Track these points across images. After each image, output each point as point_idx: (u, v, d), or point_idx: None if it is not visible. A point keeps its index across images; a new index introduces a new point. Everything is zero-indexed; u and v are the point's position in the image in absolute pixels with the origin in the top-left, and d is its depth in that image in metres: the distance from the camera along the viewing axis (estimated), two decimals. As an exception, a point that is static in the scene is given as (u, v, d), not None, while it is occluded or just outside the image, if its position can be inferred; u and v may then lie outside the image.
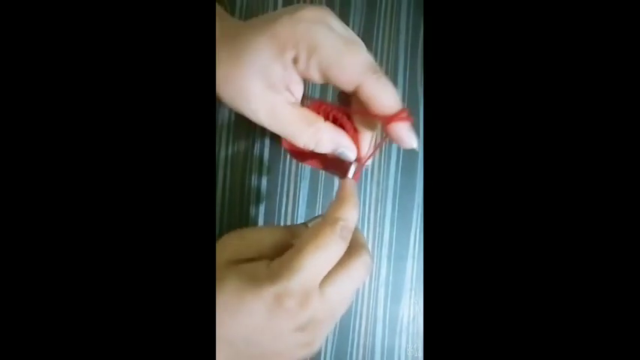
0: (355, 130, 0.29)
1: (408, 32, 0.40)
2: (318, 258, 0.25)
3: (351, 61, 0.26)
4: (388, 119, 0.27)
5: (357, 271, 0.26)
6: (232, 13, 0.39)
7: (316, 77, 0.27)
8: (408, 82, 0.40)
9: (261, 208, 0.39)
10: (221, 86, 0.27)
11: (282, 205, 0.39)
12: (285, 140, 0.29)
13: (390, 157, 0.40)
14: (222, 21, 0.28)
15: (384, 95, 0.26)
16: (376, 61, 0.32)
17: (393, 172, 0.41)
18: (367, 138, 0.29)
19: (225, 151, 0.39)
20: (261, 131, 0.39)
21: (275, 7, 0.40)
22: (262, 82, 0.26)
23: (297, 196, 0.40)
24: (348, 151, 0.29)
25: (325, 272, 0.25)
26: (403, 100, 0.40)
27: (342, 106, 0.30)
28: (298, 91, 0.28)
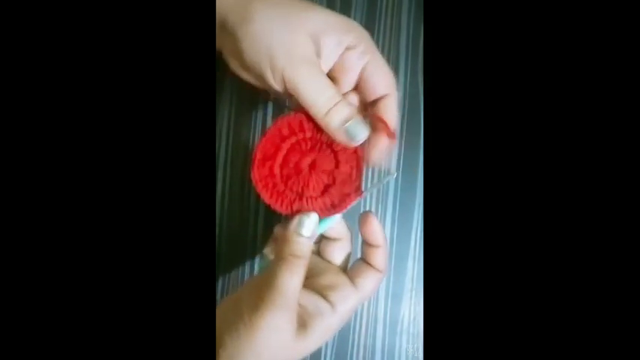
0: (361, 159, 0.29)
1: (408, 31, 0.40)
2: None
3: (390, 76, 0.29)
4: (392, 134, 0.29)
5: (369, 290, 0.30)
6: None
7: (353, 73, 0.28)
8: (409, 81, 0.40)
9: (261, 211, 0.39)
10: (264, 27, 0.26)
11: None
12: (259, 163, 0.28)
13: (391, 157, 0.40)
14: None
15: (394, 114, 0.30)
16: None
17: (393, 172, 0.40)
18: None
19: (225, 152, 0.39)
20: (262, 133, 0.39)
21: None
22: (312, 38, 0.27)
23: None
24: (361, 127, 0.28)
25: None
26: (404, 98, 0.40)
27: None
28: (328, 67, 0.29)
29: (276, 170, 0.29)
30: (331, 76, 0.29)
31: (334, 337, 0.40)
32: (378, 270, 0.30)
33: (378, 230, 0.30)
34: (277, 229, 0.31)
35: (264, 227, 0.39)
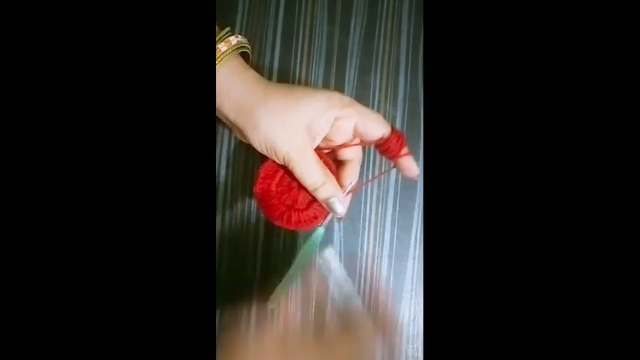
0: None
1: (409, 32, 0.40)
2: None
3: (380, 125, 0.34)
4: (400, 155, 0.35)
5: None
6: (234, 13, 0.39)
7: (346, 134, 0.35)
8: (409, 82, 0.40)
9: (262, 217, 0.40)
10: (267, 119, 0.32)
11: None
12: (261, 180, 0.35)
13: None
14: (265, 81, 0.34)
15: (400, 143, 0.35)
16: (377, 61, 0.38)
17: (393, 172, 0.41)
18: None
19: (226, 154, 0.39)
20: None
21: (277, 7, 0.40)
22: (306, 126, 0.33)
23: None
24: (339, 204, 0.34)
25: None
26: (404, 100, 0.41)
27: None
28: (318, 141, 0.35)
29: (273, 187, 0.35)
30: (328, 138, 0.35)
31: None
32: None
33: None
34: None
35: (264, 227, 0.40)
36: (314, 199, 0.35)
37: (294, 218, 0.34)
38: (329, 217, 0.35)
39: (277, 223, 0.35)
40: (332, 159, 0.36)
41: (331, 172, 0.35)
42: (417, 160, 0.40)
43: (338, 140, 0.35)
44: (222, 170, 0.39)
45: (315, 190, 0.34)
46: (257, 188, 0.35)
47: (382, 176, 0.40)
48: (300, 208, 0.35)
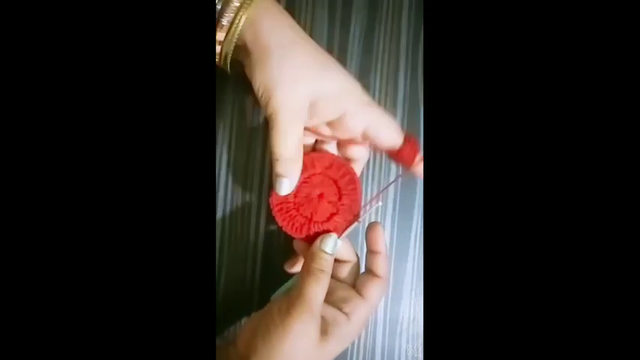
0: (359, 192, 0.34)
1: (408, 32, 0.40)
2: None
3: (394, 132, 0.32)
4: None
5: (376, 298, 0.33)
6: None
7: (353, 132, 0.32)
8: (409, 82, 0.40)
9: (262, 218, 0.40)
10: (282, 62, 0.29)
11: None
12: (274, 196, 0.33)
13: (389, 173, 0.41)
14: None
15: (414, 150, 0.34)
16: (377, 61, 0.38)
17: (393, 172, 0.41)
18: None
19: (226, 153, 0.39)
20: (262, 142, 0.39)
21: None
22: (312, 100, 0.30)
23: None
24: (287, 185, 0.32)
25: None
26: (404, 100, 0.40)
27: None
28: (314, 123, 0.33)
29: (291, 198, 0.34)
30: (331, 126, 0.33)
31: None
32: (378, 276, 0.33)
33: (379, 237, 0.34)
34: (297, 245, 0.35)
35: (265, 226, 0.40)
36: (335, 212, 0.34)
37: (313, 230, 0.33)
38: (348, 230, 0.34)
39: (296, 235, 0.34)
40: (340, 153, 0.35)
41: (352, 179, 0.34)
42: (417, 159, 0.40)
43: (340, 134, 0.33)
44: (222, 170, 0.39)
45: (276, 160, 0.31)
46: (273, 200, 0.34)
47: (394, 182, 0.40)
48: (320, 220, 0.34)
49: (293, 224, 0.34)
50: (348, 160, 0.35)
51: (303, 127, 0.31)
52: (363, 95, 0.32)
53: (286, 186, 0.32)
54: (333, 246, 0.32)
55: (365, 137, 0.33)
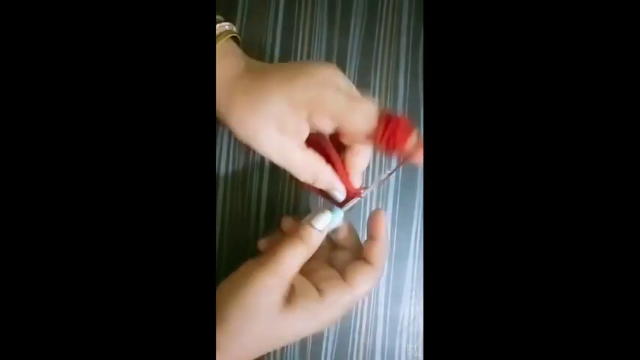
0: (340, 167, 0.33)
1: (408, 31, 0.40)
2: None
3: (362, 113, 0.30)
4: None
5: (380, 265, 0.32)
6: (234, 13, 0.39)
7: (328, 129, 0.31)
8: (409, 82, 0.40)
9: (262, 218, 0.40)
10: (236, 127, 0.30)
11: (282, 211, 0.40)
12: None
13: (391, 157, 0.40)
14: (237, 62, 0.32)
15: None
16: (377, 61, 0.38)
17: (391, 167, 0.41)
18: (358, 174, 0.34)
19: (226, 153, 0.39)
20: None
21: (277, 8, 0.40)
22: (276, 128, 0.30)
23: (297, 212, 0.40)
24: (338, 193, 0.33)
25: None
26: (404, 100, 0.41)
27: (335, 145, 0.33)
28: (305, 133, 0.31)
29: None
30: (316, 130, 0.32)
31: (334, 337, 0.40)
32: (370, 264, 0.31)
33: (381, 223, 0.32)
34: (284, 220, 0.35)
35: (264, 226, 0.40)
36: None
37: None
38: (349, 206, 0.33)
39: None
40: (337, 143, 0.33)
41: (332, 159, 0.32)
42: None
43: (328, 131, 0.31)
44: (222, 170, 0.39)
45: (311, 185, 0.33)
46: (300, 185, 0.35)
47: (398, 168, 0.38)
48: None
49: (314, 190, 0.35)
50: (352, 145, 0.33)
51: (300, 147, 0.31)
52: (307, 96, 0.29)
53: (339, 194, 0.33)
54: (323, 223, 0.31)
55: (340, 130, 0.31)
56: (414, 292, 0.41)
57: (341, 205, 0.34)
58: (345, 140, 0.33)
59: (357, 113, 0.30)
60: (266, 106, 0.30)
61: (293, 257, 0.30)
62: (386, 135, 0.29)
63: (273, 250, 0.30)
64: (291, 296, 0.30)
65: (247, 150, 0.39)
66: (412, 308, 0.41)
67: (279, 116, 0.30)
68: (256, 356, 0.31)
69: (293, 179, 0.36)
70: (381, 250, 0.32)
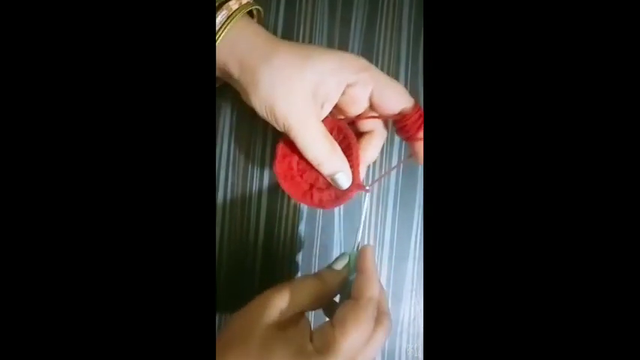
0: (357, 157, 0.33)
1: (408, 31, 0.40)
2: (357, 339, 0.28)
3: (400, 94, 0.31)
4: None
5: (381, 339, 0.29)
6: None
7: (358, 106, 0.31)
8: (409, 80, 0.40)
9: (262, 218, 0.39)
10: (266, 87, 0.29)
11: (281, 223, 0.40)
12: (280, 159, 0.33)
13: (391, 157, 0.40)
14: (274, 38, 0.31)
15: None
16: (377, 59, 0.38)
17: (394, 171, 0.40)
18: (364, 167, 0.34)
19: (226, 152, 0.39)
20: (262, 141, 0.39)
21: (277, 5, 0.40)
22: (312, 91, 0.29)
23: (297, 211, 0.40)
24: (344, 178, 0.32)
25: (361, 348, 0.28)
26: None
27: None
28: (327, 110, 0.31)
29: (294, 165, 0.34)
30: (341, 108, 0.32)
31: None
32: (354, 298, 0.29)
33: (366, 258, 0.31)
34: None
35: (265, 226, 0.40)
36: None
37: (316, 197, 0.34)
38: (352, 195, 0.33)
39: (302, 202, 0.34)
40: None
41: (349, 144, 0.32)
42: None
43: (352, 111, 0.32)
44: (222, 169, 0.39)
45: (319, 164, 0.32)
46: (277, 168, 0.34)
47: (400, 165, 0.37)
48: (322, 187, 0.34)
49: (299, 191, 0.34)
50: (363, 133, 0.34)
51: (320, 121, 0.31)
52: (358, 60, 0.31)
53: (344, 179, 0.32)
54: (340, 264, 0.32)
55: (371, 105, 0.32)
56: (414, 293, 0.41)
57: (342, 196, 0.33)
58: (362, 126, 0.33)
59: (396, 92, 0.31)
60: (313, 65, 0.29)
61: (305, 289, 0.30)
62: (410, 121, 0.31)
63: (293, 280, 0.31)
64: (287, 326, 0.29)
65: (247, 151, 0.39)
66: (412, 309, 0.41)
67: (320, 79, 0.29)
68: None
69: (278, 180, 0.35)
70: (365, 284, 0.30)
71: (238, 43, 0.29)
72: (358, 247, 0.33)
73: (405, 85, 0.40)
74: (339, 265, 0.32)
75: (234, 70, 0.30)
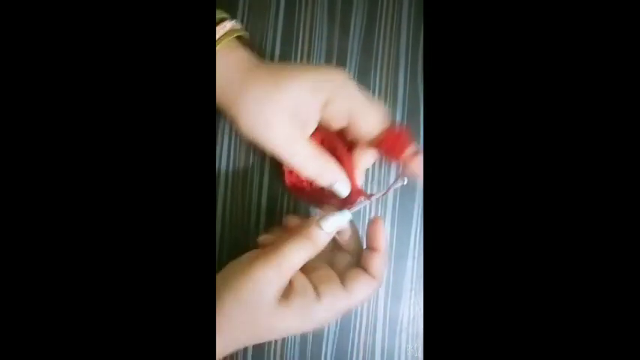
0: (350, 164, 0.33)
1: (408, 31, 0.40)
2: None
3: (375, 116, 0.31)
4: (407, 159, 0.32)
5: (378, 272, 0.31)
6: (235, 12, 0.39)
7: (339, 122, 0.31)
8: (409, 81, 0.40)
9: (262, 215, 0.40)
10: (246, 118, 0.30)
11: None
12: (288, 174, 0.34)
13: (390, 164, 0.40)
14: (247, 56, 0.32)
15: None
16: (377, 61, 0.38)
17: (393, 171, 0.41)
18: (361, 173, 0.34)
19: (226, 160, 0.39)
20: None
21: (277, 8, 0.40)
22: (288, 117, 0.30)
23: (297, 207, 0.40)
24: (343, 186, 0.33)
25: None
26: (404, 100, 0.40)
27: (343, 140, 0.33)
28: (312, 128, 0.32)
29: (300, 176, 0.34)
30: (323, 124, 0.32)
31: (334, 337, 0.40)
32: (371, 276, 0.31)
33: (380, 234, 0.32)
34: (290, 218, 0.35)
35: (265, 225, 0.40)
36: None
37: (325, 202, 0.34)
38: (356, 208, 0.33)
39: (319, 209, 0.35)
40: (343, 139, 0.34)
41: (340, 153, 0.32)
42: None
43: (335, 125, 0.32)
44: (222, 169, 0.39)
45: (315, 179, 0.32)
46: (287, 182, 0.35)
47: (391, 188, 0.35)
48: (330, 194, 0.34)
49: (310, 199, 0.36)
50: (358, 141, 0.34)
51: (306, 140, 0.31)
52: (333, 78, 0.31)
53: (342, 188, 0.33)
54: (332, 226, 0.31)
55: (349, 124, 0.31)
56: (413, 292, 0.41)
57: (343, 202, 0.33)
58: (350, 137, 0.33)
59: (372, 114, 0.31)
60: (286, 89, 0.30)
61: (298, 255, 0.29)
62: (387, 144, 0.31)
63: (277, 244, 0.30)
64: (288, 292, 0.30)
65: (247, 150, 0.39)
66: (412, 308, 0.41)
67: (296, 101, 0.30)
68: (246, 344, 0.31)
69: (291, 189, 0.36)
70: (382, 263, 0.31)
71: (219, 72, 0.30)
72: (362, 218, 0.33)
73: (405, 86, 0.40)
74: (330, 227, 0.31)
75: (222, 103, 0.31)
